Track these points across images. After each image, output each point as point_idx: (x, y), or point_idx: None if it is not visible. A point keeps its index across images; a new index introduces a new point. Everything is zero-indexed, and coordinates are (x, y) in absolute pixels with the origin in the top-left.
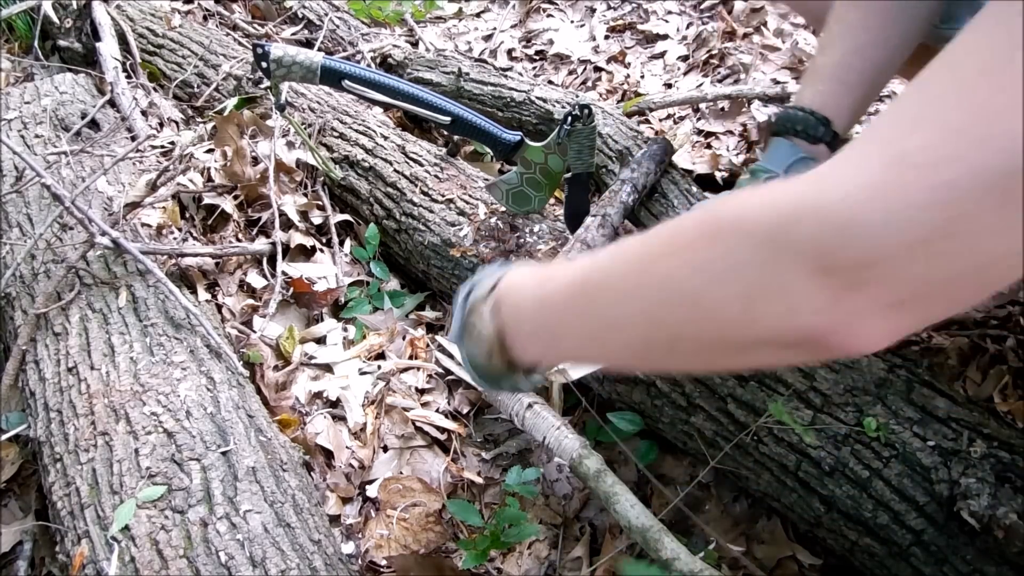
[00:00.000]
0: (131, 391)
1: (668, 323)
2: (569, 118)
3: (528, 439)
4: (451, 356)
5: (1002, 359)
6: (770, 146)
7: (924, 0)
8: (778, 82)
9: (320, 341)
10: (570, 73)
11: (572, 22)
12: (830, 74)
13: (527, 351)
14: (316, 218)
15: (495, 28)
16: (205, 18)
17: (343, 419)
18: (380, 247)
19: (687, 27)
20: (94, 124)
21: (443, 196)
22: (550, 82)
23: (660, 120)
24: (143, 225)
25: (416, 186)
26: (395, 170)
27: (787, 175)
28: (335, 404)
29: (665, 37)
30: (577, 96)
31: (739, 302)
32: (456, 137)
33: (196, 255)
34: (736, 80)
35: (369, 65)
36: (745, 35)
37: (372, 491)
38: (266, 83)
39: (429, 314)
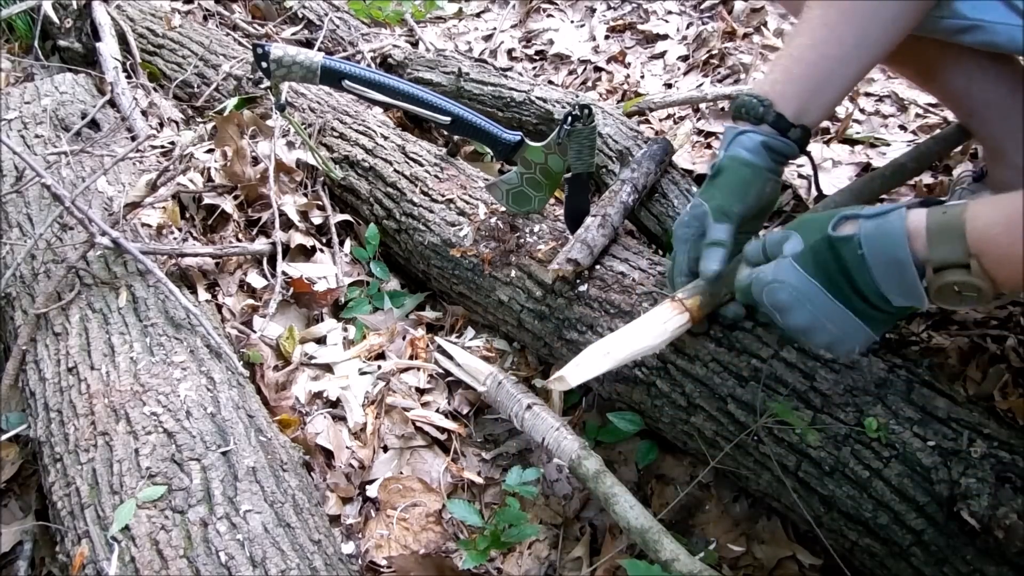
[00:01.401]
0: (131, 391)
1: None
2: (569, 118)
3: (528, 439)
4: (451, 357)
5: (1002, 359)
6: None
7: (892, 2)
8: None
9: (320, 341)
10: (570, 73)
11: (572, 22)
12: (781, 65)
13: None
14: (316, 218)
15: (495, 28)
16: (205, 18)
17: (343, 419)
18: (380, 247)
19: (687, 27)
20: (94, 124)
21: (443, 196)
22: (550, 82)
23: (660, 120)
24: (143, 225)
25: (416, 186)
26: (395, 170)
27: (726, 153)
28: (335, 404)
29: (665, 37)
30: (577, 96)
31: None
32: (456, 137)
33: (196, 255)
34: (736, 80)
35: (369, 65)
36: (745, 35)
37: (372, 491)
38: (266, 83)
39: (429, 314)
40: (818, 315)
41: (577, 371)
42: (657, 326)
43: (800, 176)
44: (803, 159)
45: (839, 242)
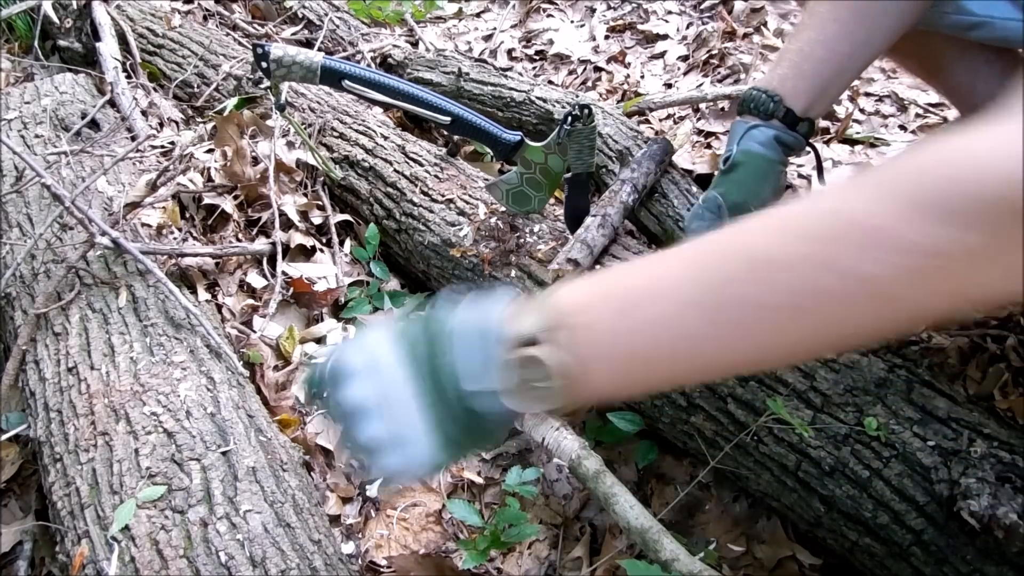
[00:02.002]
0: (131, 391)
1: (851, 320)
2: (569, 118)
3: (528, 439)
4: None
5: (1002, 358)
6: (730, 130)
7: (900, 1)
8: None
9: (320, 341)
10: (570, 73)
11: (572, 22)
12: (789, 59)
13: (610, 381)
14: (316, 218)
15: (495, 28)
16: (205, 18)
17: None
18: (380, 247)
19: (687, 27)
20: (94, 124)
21: (443, 196)
22: (550, 82)
23: (660, 120)
24: (143, 225)
25: (416, 186)
26: (395, 170)
27: (739, 146)
28: None
29: (665, 37)
30: (577, 96)
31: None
32: (456, 137)
33: (196, 255)
34: (736, 80)
35: (369, 65)
36: (745, 35)
37: (372, 491)
38: (266, 83)
39: None
40: (380, 395)
41: None
42: None
43: (800, 176)
44: (801, 156)
45: (434, 317)
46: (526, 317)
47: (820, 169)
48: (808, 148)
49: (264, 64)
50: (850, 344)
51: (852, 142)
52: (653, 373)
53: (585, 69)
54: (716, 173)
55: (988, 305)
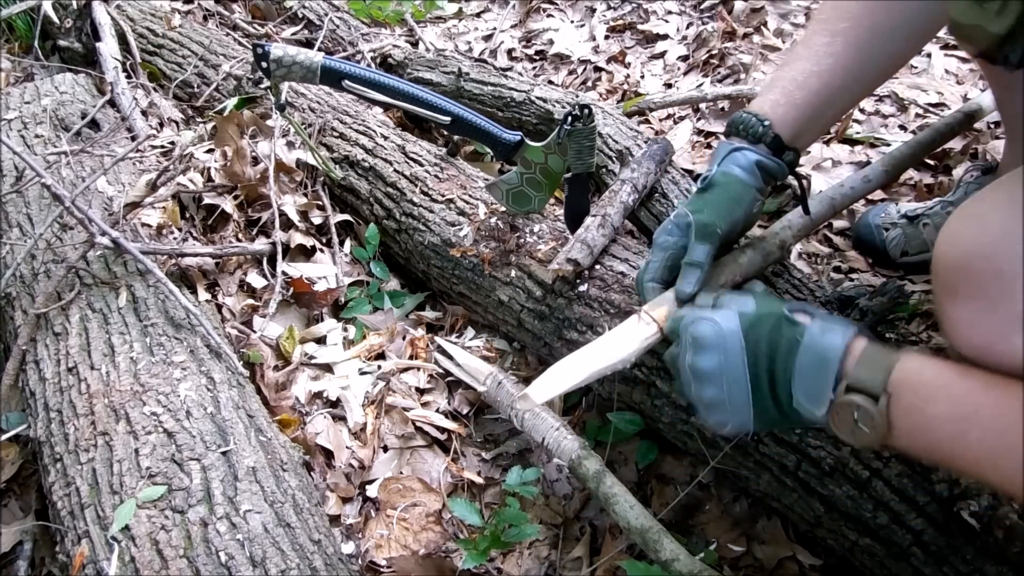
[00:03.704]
0: (131, 391)
1: None
2: (569, 118)
3: (528, 439)
4: (451, 357)
5: None
6: (713, 151)
7: (898, 40)
8: None
9: (320, 341)
10: (570, 73)
11: (572, 22)
12: (782, 87)
13: (906, 447)
14: (316, 218)
15: (495, 28)
16: (205, 18)
17: (343, 419)
18: (380, 247)
19: (687, 27)
20: (94, 124)
21: (443, 196)
22: (550, 82)
23: (660, 120)
24: (143, 225)
25: (416, 186)
26: (395, 170)
27: (719, 168)
28: (335, 404)
29: (665, 37)
30: (577, 96)
31: None
32: (456, 137)
33: (196, 255)
34: (736, 80)
35: (369, 65)
36: (745, 35)
37: (372, 491)
38: (266, 83)
39: (429, 314)
40: (723, 370)
41: (543, 389)
42: (626, 340)
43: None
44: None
45: (787, 322)
46: (867, 367)
47: (804, 201)
48: (792, 177)
49: (264, 64)
50: None
51: (852, 142)
52: (935, 462)
53: (585, 69)
54: (693, 189)
55: None
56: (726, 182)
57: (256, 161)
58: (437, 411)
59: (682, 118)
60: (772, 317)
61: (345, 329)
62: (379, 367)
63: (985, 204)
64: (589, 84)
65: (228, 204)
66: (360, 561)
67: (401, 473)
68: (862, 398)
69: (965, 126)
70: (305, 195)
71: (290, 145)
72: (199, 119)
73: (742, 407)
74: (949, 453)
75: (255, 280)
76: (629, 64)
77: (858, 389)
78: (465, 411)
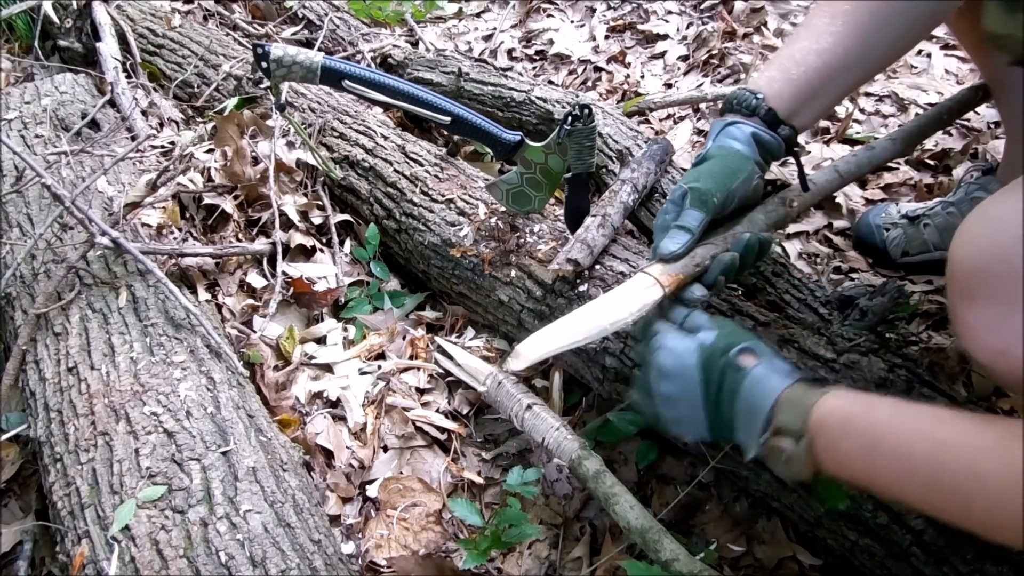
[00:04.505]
0: (131, 391)
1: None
2: (569, 118)
3: (528, 439)
4: (451, 357)
5: None
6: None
7: (898, 27)
8: None
9: (320, 341)
10: (570, 73)
11: (572, 22)
12: (779, 64)
13: (834, 476)
14: (316, 218)
15: (495, 28)
16: (205, 18)
17: (343, 419)
18: (380, 247)
19: (687, 27)
20: (94, 124)
21: (443, 196)
22: (550, 82)
23: (660, 120)
24: (143, 225)
25: (416, 186)
26: (395, 170)
27: (714, 141)
28: (335, 404)
29: (665, 37)
30: (577, 96)
31: None
32: (456, 137)
33: (196, 255)
34: (736, 80)
35: (369, 65)
36: (745, 35)
37: (372, 491)
38: (266, 83)
39: (429, 314)
40: (682, 397)
41: (535, 347)
42: (627, 298)
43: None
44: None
45: (731, 368)
46: (790, 411)
47: (803, 179)
48: (791, 157)
49: (264, 64)
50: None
51: (852, 142)
52: (863, 489)
53: (585, 69)
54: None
55: None
56: (722, 154)
57: (256, 161)
58: (437, 411)
59: (682, 118)
60: (721, 359)
61: (345, 329)
62: (379, 367)
63: (1003, 206)
64: (589, 84)
65: (228, 204)
66: (360, 561)
67: (401, 473)
68: (787, 440)
69: (974, 103)
70: (305, 195)
71: (290, 145)
72: (199, 119)
73: (700, 426)
74: (867, 482)
75: (255, 280)
76: (629, 64)
77: (783, 432)
78: (465, 411)
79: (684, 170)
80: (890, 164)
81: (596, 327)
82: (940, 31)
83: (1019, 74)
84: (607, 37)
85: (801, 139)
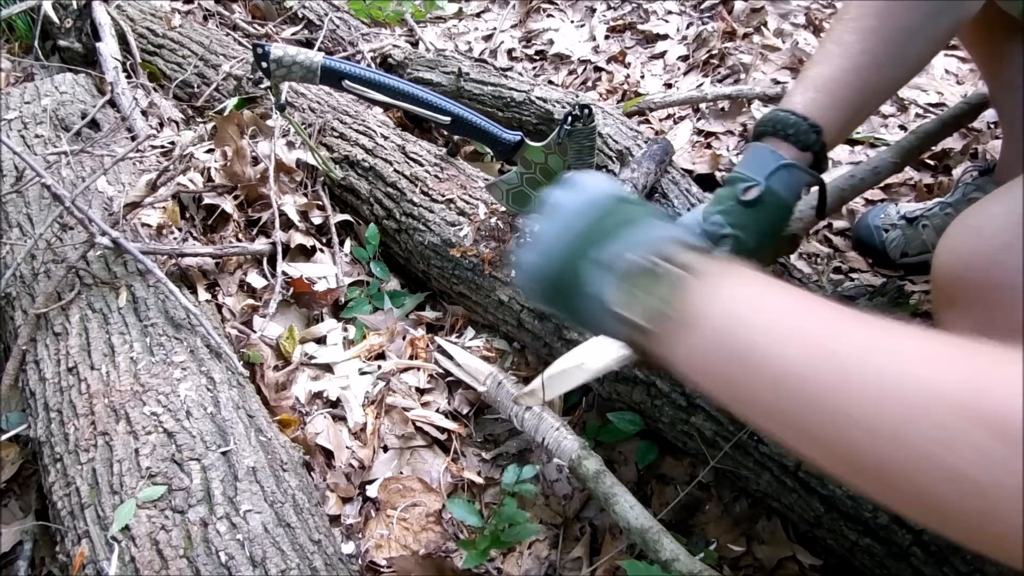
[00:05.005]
0: (131, 391)
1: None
2: (569, 118)
3: (528, 439)
4: (451, 357)
5: None
6: (749, 151)
7: (920, 39)
8: (778, 82)
9: (320, 341)
10: (570, 73)
11: (572, 22)
12: (823, 86)
13: (690, 360)
14: (316, 218)
15: (495, 28)
16: (205, 18)
17: (343, 419)
18: (380, 247)
19: (687, 27)
20: (94, 124)
21: (443, 196)
22: (550, 82)
23: (660, 120)
24: (143, 225)
25: (416, 186)
26: (395, 170)
27: (768, 183)
28: (335, 404)
29: (665, 37)
30: (577, 96)
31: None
32: (456, 137)
33: (196, 255)
34: (736, 80)
35: (369, 65)
36: (745, 35)
37: (372, 491)
38: (266, 83)
39: (429, 314)
40: (568, 207)
41: (552, 387)
42: None
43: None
44: None
45: (630, 202)
46: (687, 255)
47: (823, 205)
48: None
49: (264, 64)
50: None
51: (852, 142)
52: (724, 394)
53: (585, 69)
54: (726, 191)
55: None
56: (774, 204)
57: (256, 161)
58: (437, 411)
59: (682, 118)
60: (639, 205)
61: (345, 329)
62: (379, 367)
63: (984, 215)
64: (589, 84)
65: (228, 204)
66: (360, 561)
67: (401, 473)
68: (679, 273)
69: (972, 117)
70: (305, 195)
71: (290, 145)
72: (199, 119)
73: (553, 245)
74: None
75: (255, 280)
76: (629, 64)
77: (666, 257)
78: (465, 411)
79: (684, 170)
80: None
81: (601, 366)
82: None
83: (1019, 75)
84: (607, 37)
85: None
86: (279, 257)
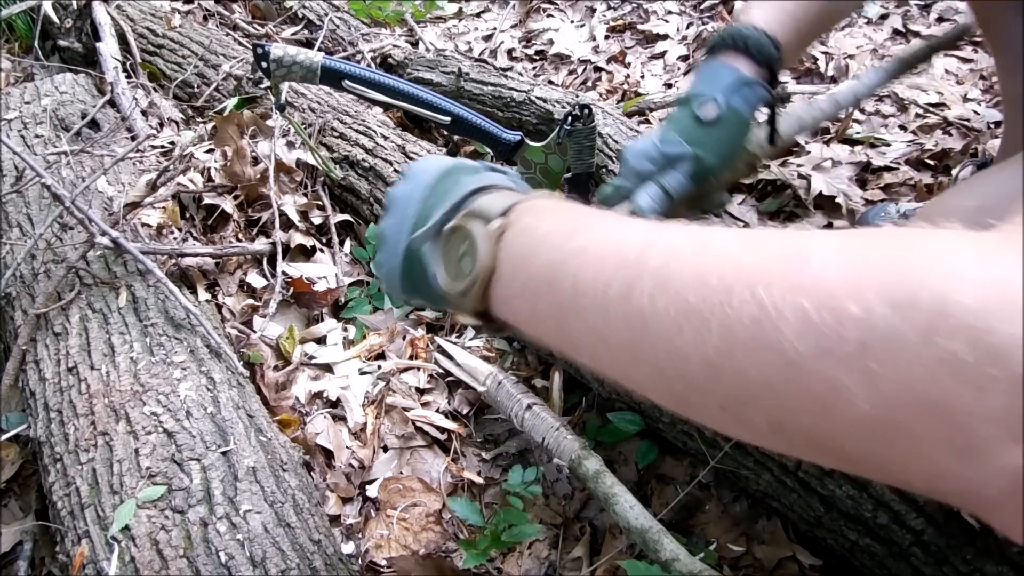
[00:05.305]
0: (131, 391)
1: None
2: (569, 118)
3: (528, 439)
4: (451, 357)
5: None
6: (704, 66)
7: None
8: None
9: (320, 341)
10: (570, 73)
11: (572, 22)
12: (782, 4)
13: (510, 309)
14: (316, 218)
15: (495, 28)
16: (205, 18)
17: (343, 419)
18: None
19: (687, 27)
20: (94, 124)
21: None
22: (550, 82)
23: (660, 120)
24: (143, 225)
25: None
26: (395, 170)
27: (728, 100)
28: (335, 404)
29: (665, 37)
30: (577, 96)
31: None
32: (456, 137)
33: (196, 255)
34: None
35: (369, 65)
36: None
37: (372, 491)
38: (266, 83)
39: (429, 314)
40: (407, 197)
41: None
42: None
43: (800, 176)
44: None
45: (470, 169)
46: (502, 199)
47: (774, 130)
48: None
49: (264, 64)
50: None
51: (852, 142)
52: (550, 332)
53: (585, 69)
54: (681, 111)
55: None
56: (733, 120)
57: (256, 161)
58: (437, 411)
59: None
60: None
61: (345, 329)
62: (379, 367)
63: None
64: (589, 84)
65: (228, 204)
66: (360, 561)
67: (401, 473)
68: (476, 224)
69: (958, 38)
70: (305, 195)
71: (290, 145)
72: (199, 119)
73: (393, 239)
74: (548, 287)
75: (255, 280)
76: (629, 64)
77: (476, 215)
78: (465, 411)
79: None
80: (890, 164)
81: None
82: (939, 31)
83: (1019, 28)
84: (607, 37)
85: (800, 140)
86: (279, 257)
